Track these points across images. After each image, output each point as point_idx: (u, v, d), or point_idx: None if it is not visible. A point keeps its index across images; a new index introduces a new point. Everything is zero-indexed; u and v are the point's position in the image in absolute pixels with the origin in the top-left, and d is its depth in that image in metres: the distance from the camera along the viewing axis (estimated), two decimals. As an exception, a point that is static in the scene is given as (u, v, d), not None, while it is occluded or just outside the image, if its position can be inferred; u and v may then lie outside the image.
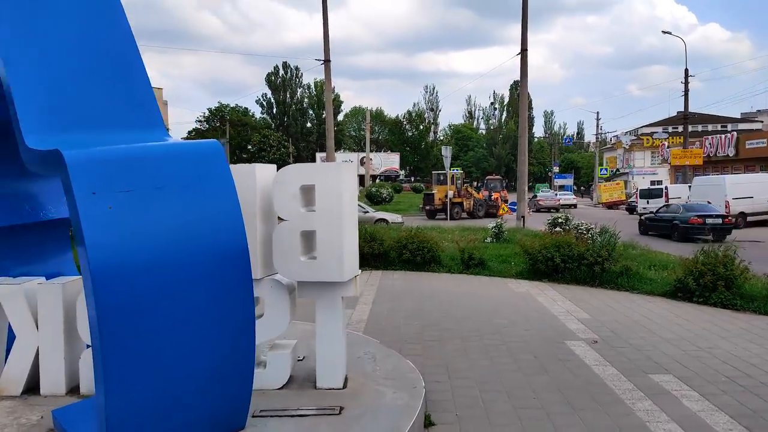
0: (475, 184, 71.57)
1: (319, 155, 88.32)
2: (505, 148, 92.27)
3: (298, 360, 5.22)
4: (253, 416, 3.99)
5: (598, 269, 9.87)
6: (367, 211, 25.51)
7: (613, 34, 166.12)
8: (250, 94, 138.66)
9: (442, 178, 34.19)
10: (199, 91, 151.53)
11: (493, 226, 16.86)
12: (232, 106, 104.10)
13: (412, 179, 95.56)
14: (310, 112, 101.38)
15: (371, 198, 45.44)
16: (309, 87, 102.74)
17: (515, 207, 24.33)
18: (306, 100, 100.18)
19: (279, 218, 4.74)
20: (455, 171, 41.60)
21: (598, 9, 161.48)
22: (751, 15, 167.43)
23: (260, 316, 4.74)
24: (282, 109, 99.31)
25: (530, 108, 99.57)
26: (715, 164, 46.07)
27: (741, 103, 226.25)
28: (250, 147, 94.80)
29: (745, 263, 8.37)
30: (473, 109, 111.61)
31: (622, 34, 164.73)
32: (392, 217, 25.71)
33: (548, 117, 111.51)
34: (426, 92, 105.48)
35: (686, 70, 39.28)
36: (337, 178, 4.51)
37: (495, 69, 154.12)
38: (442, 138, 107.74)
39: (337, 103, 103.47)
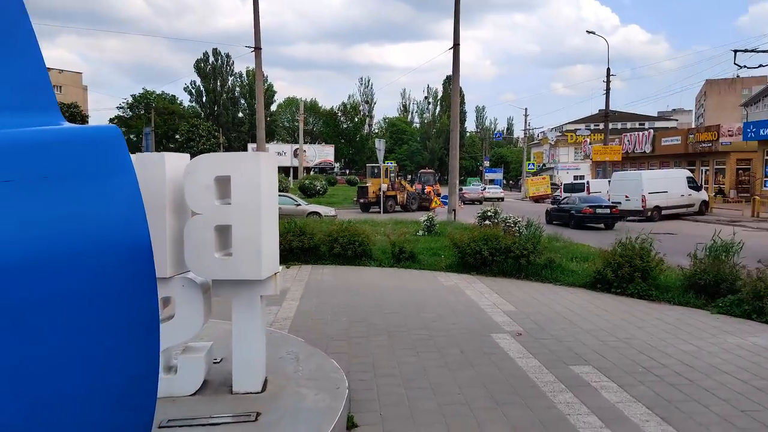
0: (408, 177, 72.25)
1: (250, 146, 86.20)
2: (438, 142, 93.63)
3: (215, 362, 4.91)
4: (160, 427, 3.68)
5: (524, 262, 10.07)
6: (299, 204, 25.07)
7: (541, 33, 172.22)
8: (175, 80, 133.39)
9: (376, 171, 34.13)
10: (123, 76, 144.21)
11: (424, 219, 16.94)
12: (158, 93, 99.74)
13: (347, 172, 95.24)
14: (242, 101, 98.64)
15: (305, 191, 44.79)
16: (241, 75, 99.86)
17: (447, 200, 24.65)
18: (238, 89, 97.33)
19: (192, 212, 4.41)
20: (389, 164, 41.71)
21: (526, 8, 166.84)
22: (669, 18, 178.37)
23: (171, 317, 4.41)
24: (212, 97, 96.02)
25: (462, 103, 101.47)
26: (633, 160, 48.71)
27: (658, 101, 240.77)
28: (177, 136, 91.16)
29: (660, 255, 8.76)
30: (408, 103, 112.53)
31: (549, 34, 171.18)
32: (325, 210, 25.39)
33: (480, 112, 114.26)
34: (361, 84, 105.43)
35: (608, 70, 41.18)
36: (255, 169, 4.23)
37: (429, 63, 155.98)
38: (377, 131, 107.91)
39: (270, 93, 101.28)
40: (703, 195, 30.13)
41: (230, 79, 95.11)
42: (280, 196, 26.10)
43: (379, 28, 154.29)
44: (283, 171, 75.78)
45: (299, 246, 11.60)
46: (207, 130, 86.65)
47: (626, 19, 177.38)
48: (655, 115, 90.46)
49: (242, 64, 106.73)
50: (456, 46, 22.20)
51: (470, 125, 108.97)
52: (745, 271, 7.88)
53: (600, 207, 22.51)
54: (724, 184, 39.56)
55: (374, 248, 12.16)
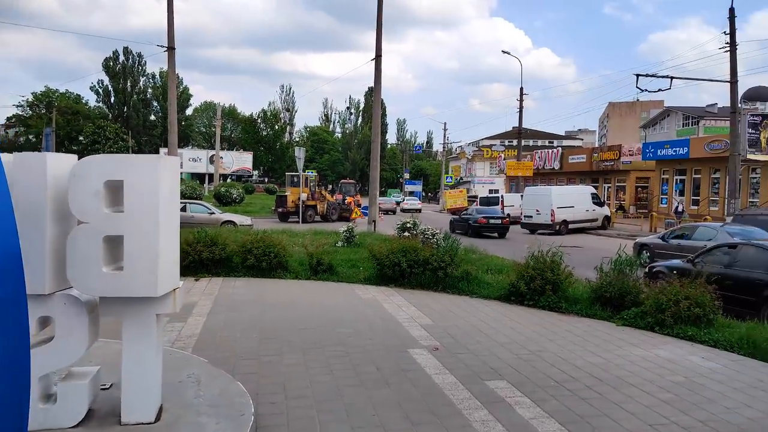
0: (330, 187, 71.86)
1: (162, 150, 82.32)
2: (360, 152, 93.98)
3: (103, 388, 4.39)
4: (28, 469, 3.16)
5: (441, 274, 10.07)
6: (213, 213, 24.06)
7: (460, 50, 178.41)
8: (80, 78, 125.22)
9: (295, 179, 33.50)
10: (26, 73, 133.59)
11: (344, 230, 16.72)
12: (62, 91, 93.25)
13: (266, 180, 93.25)
14: (155, 103, 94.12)
15: (220, 199, 43.23)
16: (154, 76, 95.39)
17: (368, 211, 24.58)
18: (150, 90, 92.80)
19: (78, 220, 3.91)
20: (310, 173, 41.20)
21: (447, 26, 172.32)
22: (577, 43, 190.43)
23: (50, 339, 3.88)
24: (121, 98, 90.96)
25: (384, 115, 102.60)
26: (543, 176, 51.16)
27: (565, 121, 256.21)
28: (81, 138, 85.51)
29: (569, 268, 9.04)
30: (330, 113, 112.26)
31: (468, 52, 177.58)
32: (240, 219, 24.54)
33: (401, 125, 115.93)
34: (282, 92, 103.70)
35: (521, 89, 43.09)
36: (153, 174, 3.81)
37: (352, 73, 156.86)
38: (297, 139, 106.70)
39: (185, 97, 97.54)
40: (606, 210, 32.08)
41: (142, 79, 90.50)
42: (192, 204, 25.00)
43: (302, 36, 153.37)
44: (199, 178, 73.05)
45: (210, 257, 10.98)
46: (115, 133, 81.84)
47: (538, 43, 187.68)
48: (563, 134, 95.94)
49: (155, 64, 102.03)
50: (378, 58, 22.27)
51: (391, 137, 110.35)
52: (645, 283, 8.28)
53: (493, 218, 26.12)
54: (624, 200, 42.38)
55: (291, 260, 11.76)
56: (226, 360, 5.73)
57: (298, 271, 11.35)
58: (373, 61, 22.43)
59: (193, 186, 42.39)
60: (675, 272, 9.14)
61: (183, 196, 37.56)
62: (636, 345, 6.78)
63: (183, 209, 23.57)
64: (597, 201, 31.67)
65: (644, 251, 15.81)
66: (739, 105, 24.53)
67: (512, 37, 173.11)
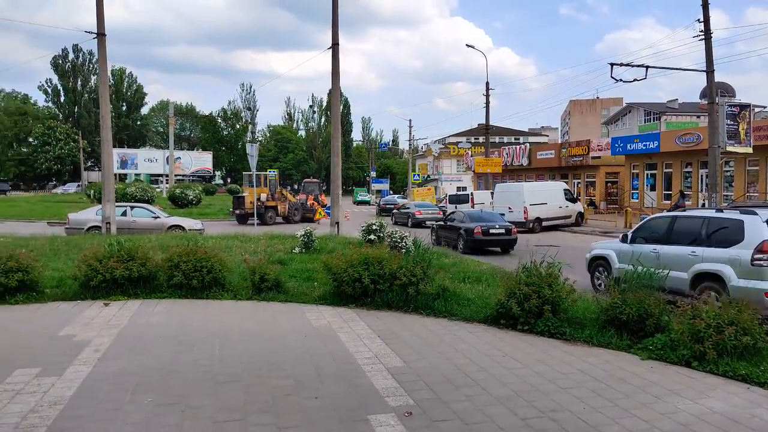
0: (295, 187, 69.31)
1: (116, 151, 78.44)
2: (324, 151, 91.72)
3: None
4: None
5: (412, 291, 8.18)
6: (158, 217, 21.61)
7: (423, 49, 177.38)
8: (24, 76, 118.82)
9: (253, 179, 31.21)
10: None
11: (302, 234, 14.71)
12: (8, 91, 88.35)
13: (229, 181, 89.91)
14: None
15: (175, 201, 40.44)
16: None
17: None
18: (109, 92, 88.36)
19: None
20: (271, 173, 38.92)
21: (409, 25, 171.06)
22: (536, 43, 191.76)
23: None
24: (72, 98, 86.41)
25: (348, 113, 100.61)
26: (511, 172, 49.96)
27: (527, 119, 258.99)
28: (31, 139, 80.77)
29: (569, 281, 7.26)
30: (293, 111, 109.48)
31: (430, 51, 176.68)
32: (190, 223, 22.16)
33: (366, 123, 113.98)
34: (243, 90, 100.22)
35: (487, 83, 41.51)
36: None
37: (314, 73, 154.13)
38: (261, 138, 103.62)
39: (140, 95, 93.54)
40: (579, 207, 30.85)
41: (93, 78, 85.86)
42: (134, 207, 22.48)
43: (263, 34, 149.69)
44: (158, 179, 69.55)
45: (126, 275, 8.83)
46: (65, 133, 77.60)
47: (498, 42, 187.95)
48: (527, 131, 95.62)
49: (108, 62, 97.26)
50: (335, 46, 20.31)
51: (357, 136, 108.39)
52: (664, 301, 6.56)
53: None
54: (594, 196, 41.43)
55: (231, 274, 9.72)
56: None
57: (239, 288, 9.31)
58: (330, 49, 20.48)
59: (143, 187, 39.41)
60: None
61: (132, 198, 34.79)
62: (677, 393, 5.02)
63: (123, 214, 21.12)
64: (569, 197, 30.46)
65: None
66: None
67: (473, 37, 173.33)
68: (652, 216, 11.26)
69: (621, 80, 22.22)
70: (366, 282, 8.27)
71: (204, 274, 9.01)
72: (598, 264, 11.35)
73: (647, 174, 36.19)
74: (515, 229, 19.33)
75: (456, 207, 35.55)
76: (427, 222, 27.21)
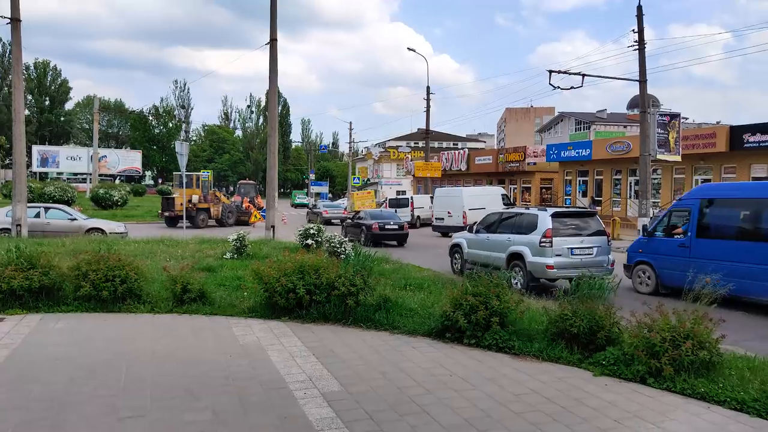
0: (230, 189, 67.04)
1: (36, 148, 73.25)
2: (262, 153, 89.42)
3: None
4: None
5: (351, 302, 7.55)
6: (75, 219, 19.92)
7: (363, 53, 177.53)
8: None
9: (186, 180, 29.62)
10: None
11: (234, 238, 13.78)
12: None
13: (160, 181, 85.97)
14: (29, 97, 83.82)
15: (98, 201, 37.91)
16: (28, 68, 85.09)
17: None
18: (24, 82, 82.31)
19: None
20: (204, 173, 37.22)
21: (349, 28, 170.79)
22: (474, 51, 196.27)
23: None
24: (-13, 90, 79.93)
25: (287, 114, 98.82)
26: (450, 177, 50.32)
27: (465, 125, 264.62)
28: (-59, 135, 74.26)
29: (517, 291, 6.86)
30: (230, 111, 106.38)
31: (370, 55, 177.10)
32: (111, 226, 20.54)
33: (306, 125, 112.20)
34: (176, 87, 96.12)
35: (428, 87, 41.76)
36: None
37: (252, 72, 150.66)
38: (195, 138, 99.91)
39: (64, 89, 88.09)
40: (516, 212, 31.22)
41: (22, 73, 79.89)
42: (49, 209, 20.62)
43: (200, 31, 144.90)
44: (88, 179, 65.31)
45: (26, 285, 7.72)
46: (-22, 128, 71.74)
47: (438, 49, 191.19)
48: (464, 136, 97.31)
49: (30, 54, 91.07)
50: (273, 41, 19.47)
51: (296, 137, 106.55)
52: (621, 314, 6.25)
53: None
54: (530, 201, 42.31)
55: (150, 284, 8.76)
56: None
57: (158, 300, 8.37)
58: (269, 45, 19.60)
59: (62, 187, 36.69)
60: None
61: (50, 199, 32.19)
62: (638, 415, 4.64)
63: (37, 215, 19.30)
64: (507, 202, 30.77)
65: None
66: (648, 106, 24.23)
67: (413, 42, 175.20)
68: (490, 212, 14.27)
69: (558, 87, 22.60)
70: (301, 293, 7.57)
71: (117, 284, 8.01)
72: (455, 250, 14.23)
73: (579, 180, 37.25)
74: (407, 226, 23.10)
75: (396, 211, 35.30)
76: (332, 220, 33.28)
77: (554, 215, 11.32)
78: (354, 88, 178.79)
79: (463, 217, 26.45)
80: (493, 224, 13.03)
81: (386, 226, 21.98)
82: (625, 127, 65.98)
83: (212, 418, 4.38)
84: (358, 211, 27.71)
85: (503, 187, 39.84)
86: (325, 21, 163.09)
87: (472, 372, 5.67)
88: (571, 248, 11.10)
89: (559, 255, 11.00)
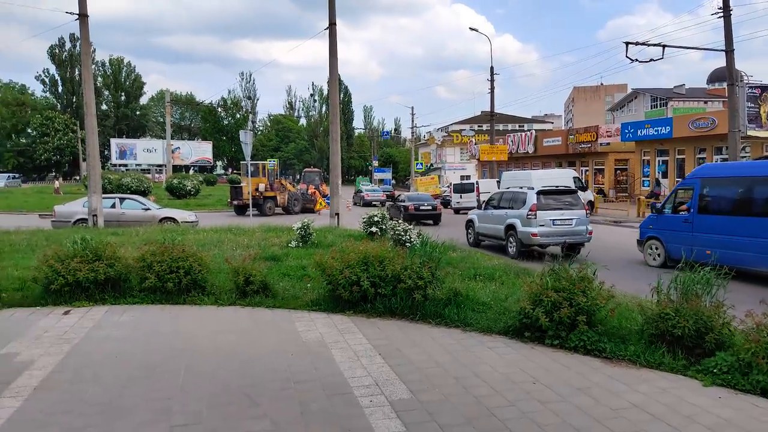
0: (296, 177, 68.08)
1: (114, 141, 77.20)
2: (326, 141, 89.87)
3: None
4: None
5: (419, 296, 7.03)
6: (149, 209, 20.49)
7: (424, 37, 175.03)
8: (20, 66, 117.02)
9: (252, 169, 30.05)
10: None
11: (299, 226, 13.55)
12: (5, 82, 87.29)
13: (231, 171, 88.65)
14: (106, 92, 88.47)
15: (173, 191, 39.24)
16: (103, 64, 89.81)
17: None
18: (100, 78, 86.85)
19: None
20: (270, 162, 37.70)
21: (410, 12, 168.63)
22: (538, 29, 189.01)
23: None
24: (70, 87, 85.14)
25: (349, 102, 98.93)
26: (516, 160, 48.61)
27: (530, 106, 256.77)
28: (30, 130, 79.61)
29: (607, 287, 6.09)
30: (294, 101, 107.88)
31: (431, 39, 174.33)
32: (183, 215, 21.02)
33: (368, 112, 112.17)
34: (242, 80, 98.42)
35: (492, 68, 40.03)
36: None
37: (314, 62, 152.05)
38: (261, 128, 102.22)
39: (138, 85, 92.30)
40: (590, 195, 29.58)
41: (91, 67, 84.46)
42: (124, 199, 21.32)
43: (264, 23, 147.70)
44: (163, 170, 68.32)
45: (91, 277, 7.70)
46: (64, 124, 76.38)
47: (500, 29, 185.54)
48: (530, 118, 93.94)
49: (105, 51, 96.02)
50: (332, 26, 19.13)
51: (358, 124, 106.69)
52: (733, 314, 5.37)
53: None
54: (603, 184, 40.12)
55: (214, 275, 8.60)
56: None
57: (222, 291, 8.18)
58: (327, 30, 19.24)
59: (139, 178, 38.22)
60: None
61: (127, 189, 33.57)
62: (767, 439, 3.88)
63: (112, 206, 19.99)
64: (580, 185, 29.12)
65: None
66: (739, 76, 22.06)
67: (475, 24, 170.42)
68: (497, 191, 17.02)
69: (636, 60, 20.94)
70: (365, 285, 7.13)
71: (181, 275, 7.88)
72: (468, 225, 17.12)
73: (659, 160, 34.85)
74: (440, 206, 27.03)
75: (461, 196, 34.35)
76: (373, 202, 37.94)
77: (539, 192, 13.98)
78: (416, 73, 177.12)
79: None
80: (496, 201, 15.92)
81: (420, 207, 25.75)
82: (705, 102, 61.39)
83: (270, 430, 3.99)
84: (399, 195, 32.68)
85: (574, 170, 38.01)
86: (385, 6, 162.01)
87: (558, 379, 5.01)
88: (553, 219, 13.68)
89: (543, 225, 13.58)
